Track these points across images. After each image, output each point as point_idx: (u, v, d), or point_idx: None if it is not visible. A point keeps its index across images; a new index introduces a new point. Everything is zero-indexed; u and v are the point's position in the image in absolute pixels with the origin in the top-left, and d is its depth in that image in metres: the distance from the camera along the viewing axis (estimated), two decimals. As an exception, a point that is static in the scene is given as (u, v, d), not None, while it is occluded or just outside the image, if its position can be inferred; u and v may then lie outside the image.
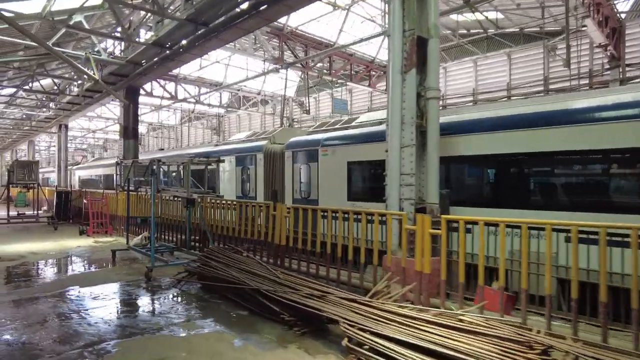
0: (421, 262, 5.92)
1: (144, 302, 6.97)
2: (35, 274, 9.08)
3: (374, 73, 26.32)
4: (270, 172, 13.59)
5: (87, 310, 6.43)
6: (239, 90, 32.20)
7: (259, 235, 9.05)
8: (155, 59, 14.64)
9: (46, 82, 20.45)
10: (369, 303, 5.12)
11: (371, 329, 4.67)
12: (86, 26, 12.40)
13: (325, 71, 23.71)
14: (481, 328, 4.44)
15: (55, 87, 19.77)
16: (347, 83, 25.55)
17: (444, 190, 7.01)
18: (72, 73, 17.21)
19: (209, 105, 32.56)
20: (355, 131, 11.15)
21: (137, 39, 13.11)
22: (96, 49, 14.79)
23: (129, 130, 17.60)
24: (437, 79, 7.71)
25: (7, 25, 11.75)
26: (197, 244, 10.61)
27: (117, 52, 16.01)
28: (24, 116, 27.98)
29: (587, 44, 18.98)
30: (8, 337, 5.29)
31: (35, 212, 17.85)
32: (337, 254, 7.41)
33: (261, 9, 10.82)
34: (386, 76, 7.57)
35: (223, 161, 8.86)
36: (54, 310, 6.40)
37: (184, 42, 13.00)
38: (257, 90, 33.01)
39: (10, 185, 17.20)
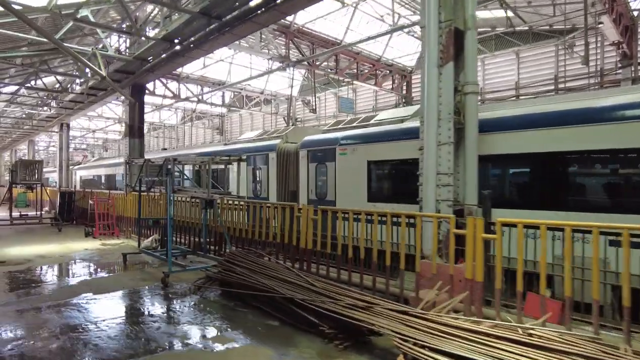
0: (472, 269, 5.40)
1: (165, 312, 6.42)
2: (44, 280, 8.52)
3: (379, 72, 25.82)
4: (284, 172, 13.05)
5: (104, 321, 5.88)
6: (242, 89, 31.67)
7: (274, 237, 8.53)
8: (163, 56, 14.09)
9: (48, 80, 19.82)
10: (422, 315, 4.59)
11: (430, 345, 4.16)
12: (93, 20, 11.83)
13: (329, 70, 23.14)
14: (557, 344, 3.93)
15: (58, 85, 19.11)
16: (353, 82, 25.06)
17: (486, 191, 6.50)
18: (76, 70, 16.58)
19: (212, 104, 31.98)
20: (376, 129, 10.63)
21: (146, 34, 12.52)
22: (101, 45, 14.20)
23: (135, 129, 17.03)
24: (475, 72, 7.20)
25: (10, 19, 11.19)
26: (212, 248, 10.05)
27: (122, 49, 15.44)
28: (25, 115, 27.27)
29: (598, 42, 18.56)
30: (15, 354, 4.72)
31: (39, 213, 17.22)
32: (372, 258, 6.90)
33: (277, 2, 10.30)
34: (421, 70, 7.06)
35: (245, 160, 8.30)
36: (67, 321, 5.85)
37: (193, 38, 12.46)
38: (260, 90, 32.49)
39: (13, 186, 16.49)
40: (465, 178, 7.05)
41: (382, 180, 10.40)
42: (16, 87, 19.23)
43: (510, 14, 20.99)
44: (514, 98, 21.31)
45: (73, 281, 8.35)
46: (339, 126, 12.37)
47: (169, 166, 8.57)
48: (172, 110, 39.19)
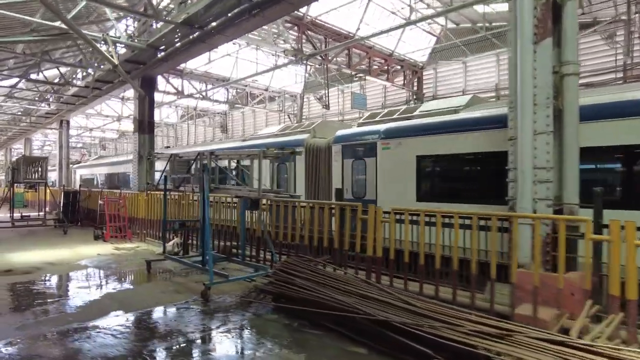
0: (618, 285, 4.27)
1: (221, 336, 5.20)
2: (60, 293, 7.23)
3: (391, 67, 24.69)
4: (313, 169, 11.85)
5: (153, 351, 4.65)
6: (246, 85, 30.35)
7: (323, 242, 7.35)
8: (178, 44, 12.81)
9: (49, 74, 18.37)
10: (591, 348, 3.43)
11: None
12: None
13: (336, 65, 21.95)
14: None
15: (60, 79, 17.66)
16: (365, 78, 23.93)
17: (598, 188, 5.38)
18: (82, 60, 15.18)
19: (216, 101, 30.63)
20: (429, 120, 9.47)
21: (165, 18, 11.22)
22: (112, 32, 12.88)
23: (145, 123, 15.70)
24: (576, 50, 6.05)
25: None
26: (250, 254, 8.82)
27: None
28: (22, 111, 25.67)
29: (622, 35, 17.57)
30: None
31: (42, 214, 15.78)
32: (453, 267, 5.75)
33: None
34: (511, 47, 5.90)
35: (300, 153, 7.09)
36: (104, 351, 4.60)
37: (215, 23, 11.22)
38: (264, 86, 31.21)
39: (15, 185, 15.02)
40: (565, 173, 5.92)
41: (436, 176, 9.26)
42: (15, 80, 17.73)
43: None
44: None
45: (95, 294, 7.07)
46: (376, 119, 11.20)
47: (204, 161, 7.34)
48: (172, 107, 37.68)
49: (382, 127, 10.28)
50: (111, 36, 12.13)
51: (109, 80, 16.88)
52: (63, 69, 17.34)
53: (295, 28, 19.95)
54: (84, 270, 8.95)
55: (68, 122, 25.11)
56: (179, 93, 25.78)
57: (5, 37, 11.45)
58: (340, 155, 10.94)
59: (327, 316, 5.22)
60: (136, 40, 12.92)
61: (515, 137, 5.99)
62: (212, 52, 20.64)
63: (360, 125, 11.52)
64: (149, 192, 11.43)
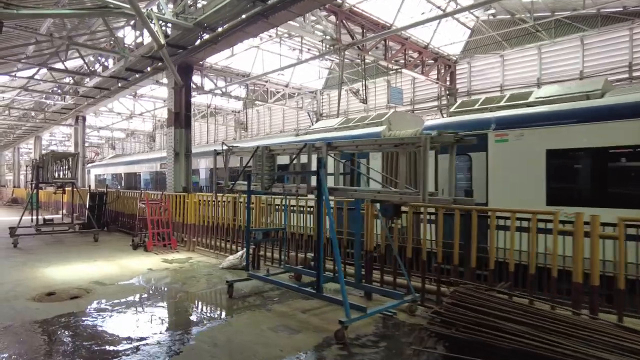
0: None
1: None
2: (132, 334, 5.16)
3: (425, 60, 22.79)
4: (392, 166, 9.84)
5: None
6: (266, 81, 28.36)
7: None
8: (228, 24, 10.78)
9: (69, 64, 16.21)
10: None
11: None
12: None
13: (374, 57, 20.00)
14: None
15: (81, 68, 15.51)
16: (401, 70, 21.98)
17: None
18: (113, 44, 13.06)
19: (237, 97, 28.58)
20: (564, 107, 7.50)
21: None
22: (154, 8, 10.81)
23: (181, 116, 13.64)
24: None
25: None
26: (353, 273, 6.81)
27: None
28: (36, 106, 23.36)
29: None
30: None
31: (70, 218, 13.61)
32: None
33: None
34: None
35: (473, 142, 5.08)
36: None
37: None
38: (285, 82, 29.22)
39: (40, 186, 12.78)
40: None
41: (577, 175, 7.31)
42: (34, 70, 15.55)
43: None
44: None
45: (179, 334, 5.02)
46: (475, 107, 9.23)
47: (321, 155, 5.33)
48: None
49: (493, 115, 8.33)
50: (155, 12, 10.05)
51: (139, 69, 14.77)
52: (86, 58, 15.18)
53: (333, 16, 17.99)
54: (143, 292, 6.91)
55: (84, 118, 22.95)
56: (199, 89, 23.76)
57: (34, 9, 9.32)
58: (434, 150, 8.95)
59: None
60: (180, 18, 10.85)
61: None
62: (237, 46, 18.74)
63: (452, 114, 9.56)
64: (218, 194, 9.30)
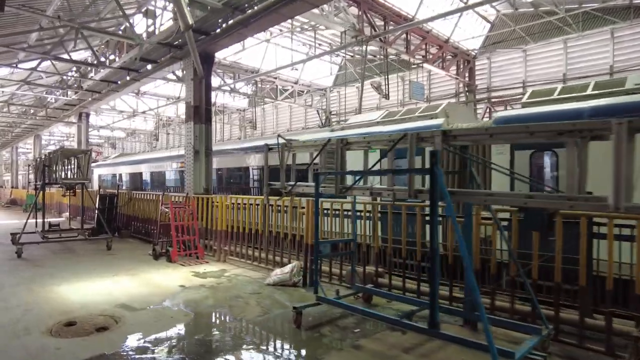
0: None
1: None
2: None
3: (446, 55, 21.51)
4: (453, 165, 8.47)
5: None
6: (276, 78, 26.93)
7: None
8: (263, 3, 9.36)
9: (75, 56, 14.63)
10: None
11: None
12: None
13: (396, 50, 18.64)
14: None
15: (90, 58, 13.96)
16: (422, 65, 20.64)
17: None
18: (126, 31, 11.56)
19: (246, 95, 27.09)
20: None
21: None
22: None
23: (201, 110, 12.19)
24: None
25: None
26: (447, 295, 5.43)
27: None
28: (34, 102, 21.65)
29: None
30: None
31: (80, 223, 12.05)
32: None
33: None
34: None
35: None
36: None
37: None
38: (294, 79, 27.80)
39: (46, 187, 11.15)
40: None
41: None
42: (36, 61, 13.98)
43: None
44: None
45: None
46: (550, 97, 7.87)
47: (434, 147, 3.94)
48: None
49: (586, 105, 6.97)
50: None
51: (152, 59, 13.26)
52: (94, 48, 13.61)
53: (355, 7, 16.66)
54: (186, 320, 5.48)
55: (88, 115, 21.33)
56: (207, 85, 22.14)
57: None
58: (509, 145, 7.59)
59: None
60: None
61: None
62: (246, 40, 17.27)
63: (525, 105, 8.20)
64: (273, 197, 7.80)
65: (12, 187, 33.16)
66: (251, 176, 14.91)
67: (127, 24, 11.21)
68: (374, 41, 17.10)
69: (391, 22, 17.73)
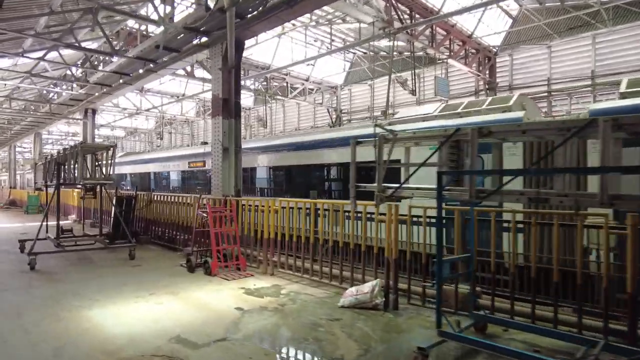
0: None
1: None
2: None
3: (469, 51, 20.38)
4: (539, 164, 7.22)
5: None
6: (287, 74, 25.63)
7: None
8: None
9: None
10: None
11: None
12: None
13: (422, 44, 17.47)
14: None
15: (103, 46, 12.50)
16: (447, 60, 19.48)
17: None
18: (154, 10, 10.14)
19: (258, 92, 25.73)
20: None
21: None
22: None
23: (230, 104, 10.84)
24: None
25: None
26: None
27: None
28: (36, 98, 20.01)
29: None
30: None
31: (99, 229, 10.55)
32: None
33: None
34: None
35: None
36: None
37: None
38: (305, 76, 26.51)
39: (61, 187, 9.53)
40: None
41: None
42: (44, 50, 12.47)
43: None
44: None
45: None
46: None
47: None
48: (194, 100, 32.21)
49: None
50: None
51: (174, 47, 11.84)
52: (100, 40, 12.13)
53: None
54: (269, 363, 4.15)
55: (94, 111, 19.76)
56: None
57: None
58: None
59: None
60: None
61: None
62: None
63: (624, 96, 6.98)
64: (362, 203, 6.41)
65: (11, 187, 31.34)
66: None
67: (151, 5, 9.78)
68: (398, 35, 15.95)
69: (417, 15, 16.61)
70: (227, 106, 10.80)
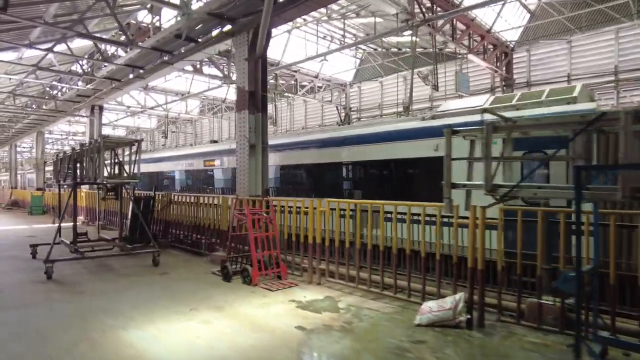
0: None
1: None
2: None
3: (487, 46, 19.60)
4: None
5: None
6: (296, 71, 24.79)
7: None
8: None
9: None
10: None
11: None
12: None
13: (444, 38, 16.67)
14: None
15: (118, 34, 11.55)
16: (467, 56, 18.69)
17: None
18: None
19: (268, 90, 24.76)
20: None
21: None
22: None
23: (257, 97, 9.96)
24: None
25: None
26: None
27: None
28: (39, 94, 18.96)
29: None
30: None
31: (119, 233, 9.58)
32: None
33: None
34: None
35: None
36: None
37: None
38: (314, 73, 25.64)
39: (78, 187, 8.54)
40: None
41: None
42: (53, 42, 11.50)
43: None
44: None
45: None
46: None
47: None
48: (198, 98, 31.19)
49: None
50: None
51: (193, 37, 10.93)
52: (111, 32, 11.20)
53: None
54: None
55: (101, 108, 18.78)
56: (226, 77, 19.92)
57: None
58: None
59: None
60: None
61: None
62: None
63: None
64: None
65: (12, 188, 30.20)
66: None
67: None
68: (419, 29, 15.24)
69: (438, 7, 15.84)
70: (253, 99, 9.91)
